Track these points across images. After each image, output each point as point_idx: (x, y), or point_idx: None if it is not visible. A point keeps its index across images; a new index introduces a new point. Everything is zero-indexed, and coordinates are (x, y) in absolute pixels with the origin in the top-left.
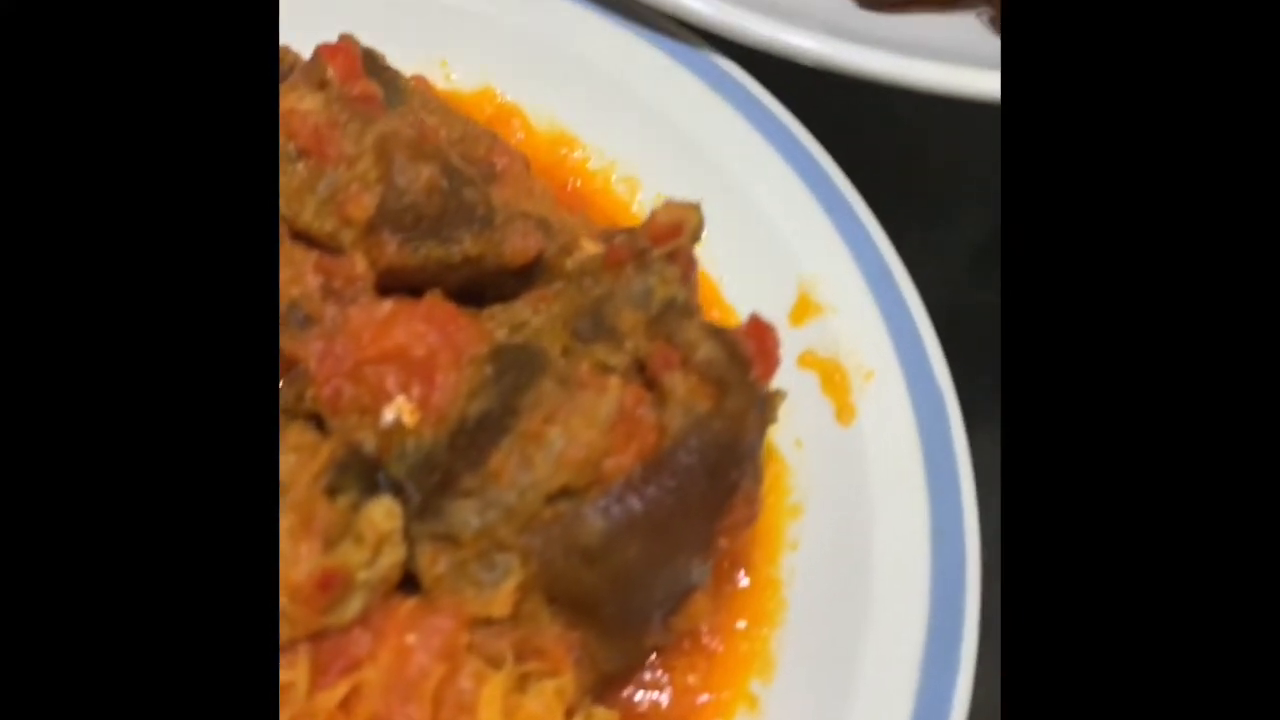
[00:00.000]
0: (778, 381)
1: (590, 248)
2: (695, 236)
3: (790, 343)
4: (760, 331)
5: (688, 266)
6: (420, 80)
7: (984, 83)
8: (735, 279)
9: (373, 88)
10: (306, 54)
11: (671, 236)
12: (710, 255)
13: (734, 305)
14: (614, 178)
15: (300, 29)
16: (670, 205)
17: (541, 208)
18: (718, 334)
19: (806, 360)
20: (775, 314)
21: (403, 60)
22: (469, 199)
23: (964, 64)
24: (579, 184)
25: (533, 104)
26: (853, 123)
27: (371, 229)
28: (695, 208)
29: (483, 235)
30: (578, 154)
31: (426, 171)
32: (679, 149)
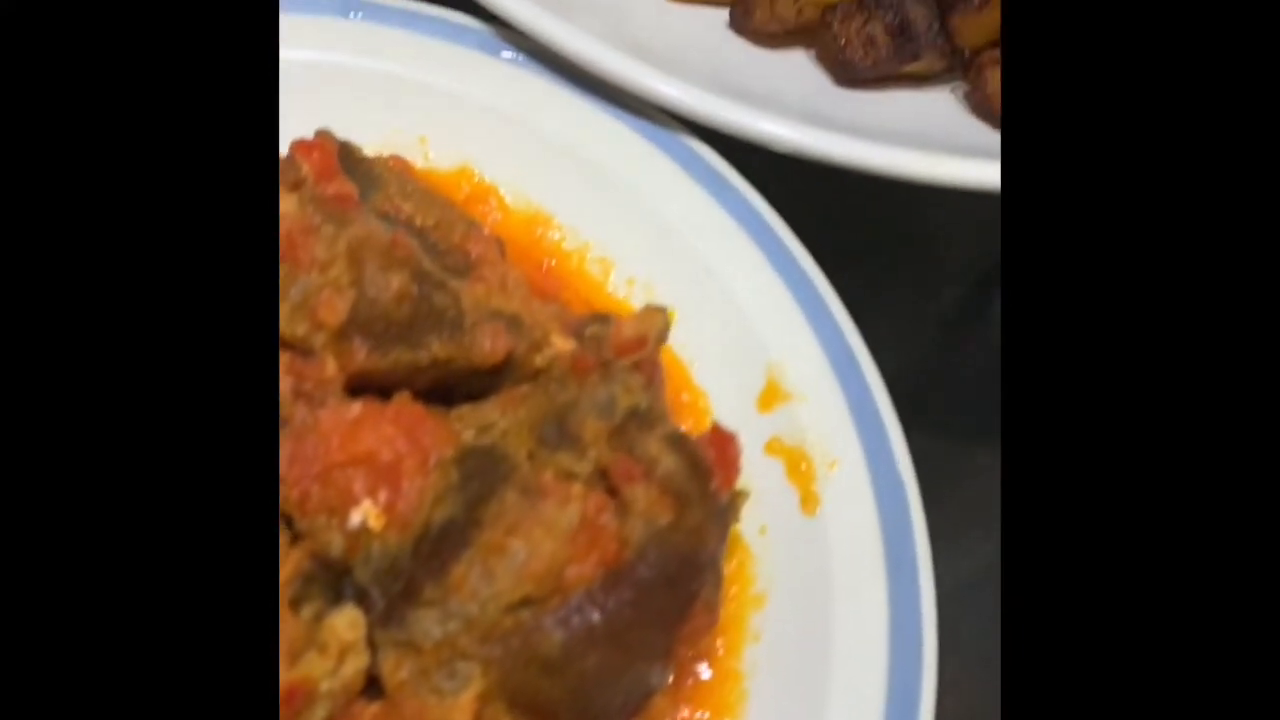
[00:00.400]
0: (746, 468)
1: (560, 343)
2: (661, 340)
3: (758, 429)
4: (722, 441)
5: (652, 372)
6: (398, 160)
7: (973, 173)
8: (705, 362)
9: (348, 186)
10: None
11: (637, 349)
12: (681, 337)
13: (704, 388)
14: (589, 257)
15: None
16: (638, 316)
17: (514, 299)
18: (679, 445)
19: (773, 447)
20: (744, 398)
21: (382, 137)
22: (439, 304)
23: (947, 148)
24: (554, 264)
25: (510, 183)
26: (829, 200)
27: (342, 334)
28: (662, 312)
29: (452, 339)
30: (554, 234)
31: (397, 280)
32: (653, 231)
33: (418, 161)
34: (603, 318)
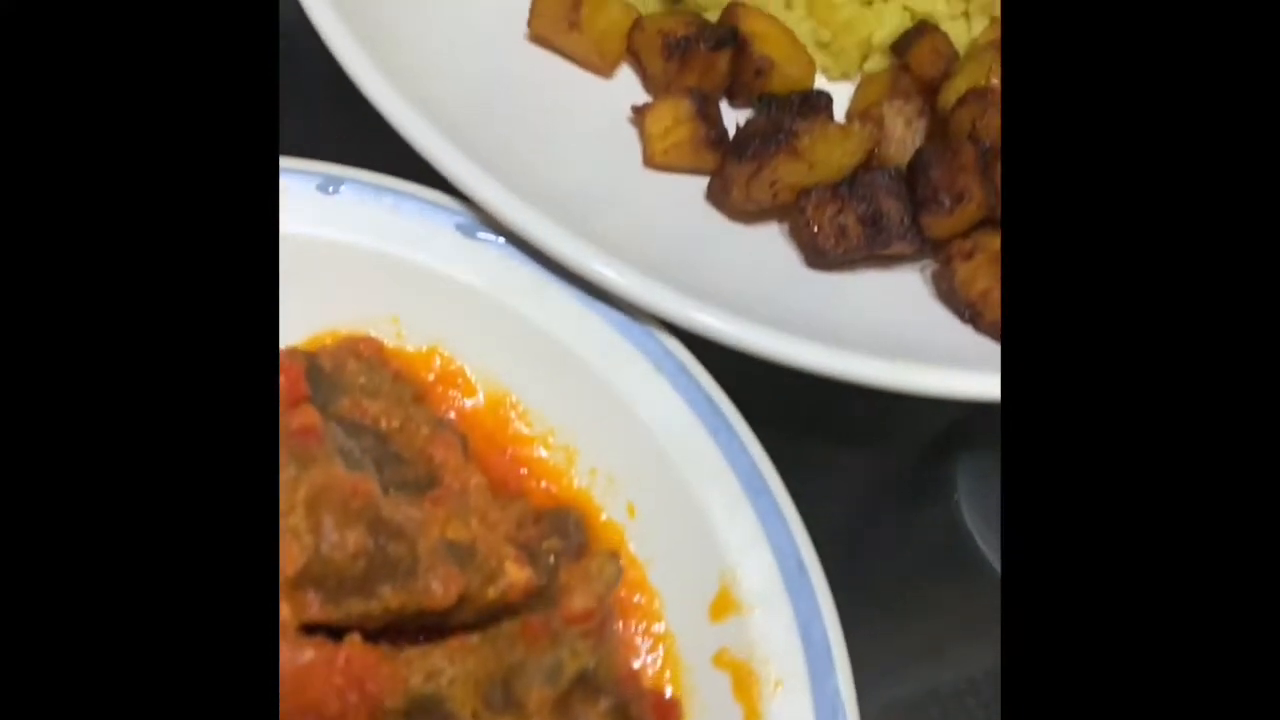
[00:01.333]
0: (694, 679)
1: (514, 572)
2: (613, 588)
3: (708, 638)
4: (664, 710)
5: (603, 625)
6: (368, 344)
7: (935, 382)
8: (661, 563)
9: (313, 417)
10: None
11: (587, 620)
12: (640, 533)
13: (658, 588)
14: (553, 444)
15: None
16: (590, 568)
17: (471, 521)
18: (621, 716)
19: (722, 660)
20: (696, 605)
21: (356, 313)
22: (394, 554)
23: (914, 341)
24: (518, 451)
25: (479, 364)
26: (800, 396)
27: (297, 584)
28: (615, 560)
29: (405, 587)
30: (520, 420)
31: (353, 537)
32: (618, 424)
33: (389, 339)
34: (562, 519)
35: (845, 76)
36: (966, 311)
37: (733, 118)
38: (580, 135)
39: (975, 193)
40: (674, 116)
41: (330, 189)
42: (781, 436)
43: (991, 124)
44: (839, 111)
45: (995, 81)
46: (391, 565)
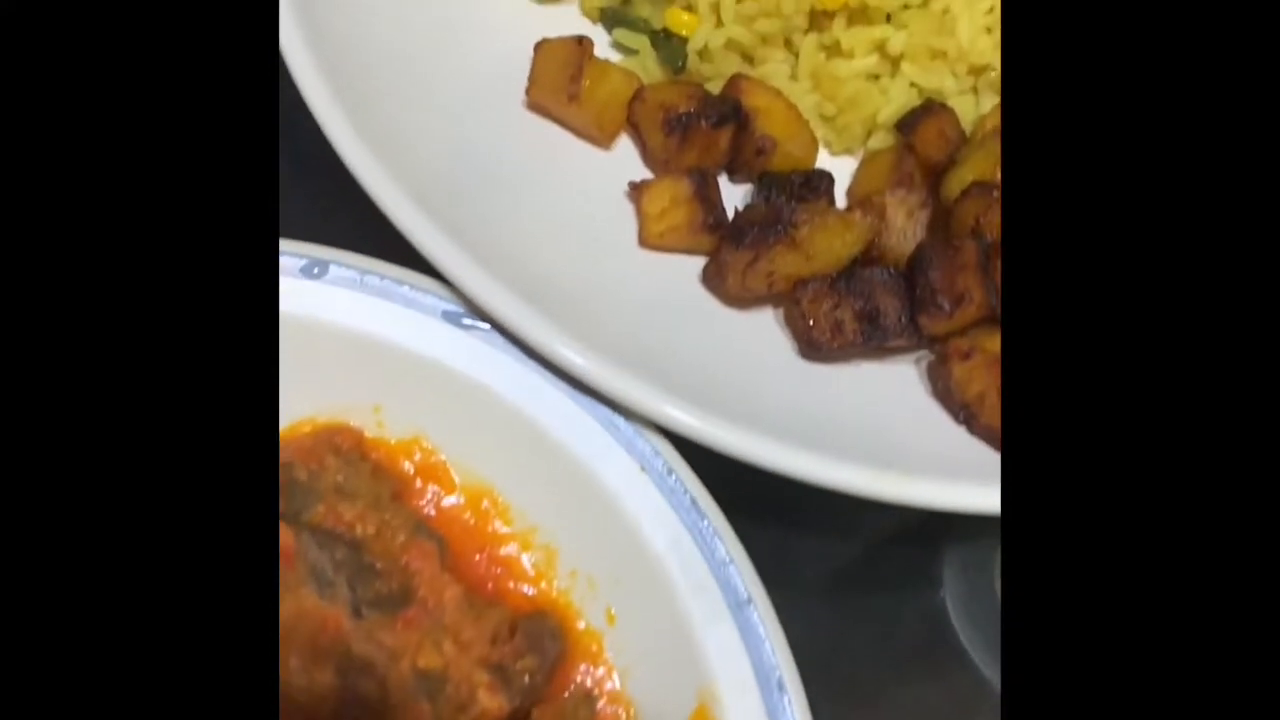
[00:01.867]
0: None
1: (486, 700)
2: None
3: None
4: None
5: None
6: (348, 435)
7: (924, 493)
8: (640, 672)
9: (286, 538)
10: None
11: None
12: (619, 640)
13: (634, 698)
14: (535, 543)
15: None
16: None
17: (444, 642)
18: None
19: None
20: (674, 718)
21: (336, 401)
22: (363, 691)
23: (906, 445)
24: (497, 551)
25: (461, 457)
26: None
27: None
28: (588, 700)
29: None
30: (499, 522)
31: (322, 677)
32: (602, 524)
33: (370, 429)
34: (538, 629)
35: (848, 152)
36: (961, 413)
37: (731, 192)
38: (574, 209)
39: (975, 294)
40: (671, 197)
41: (315, 271)
42: (763, 524)
43: (995, 221)
44: (840, 188)
45: (1000, 177)
46: (361, 702)
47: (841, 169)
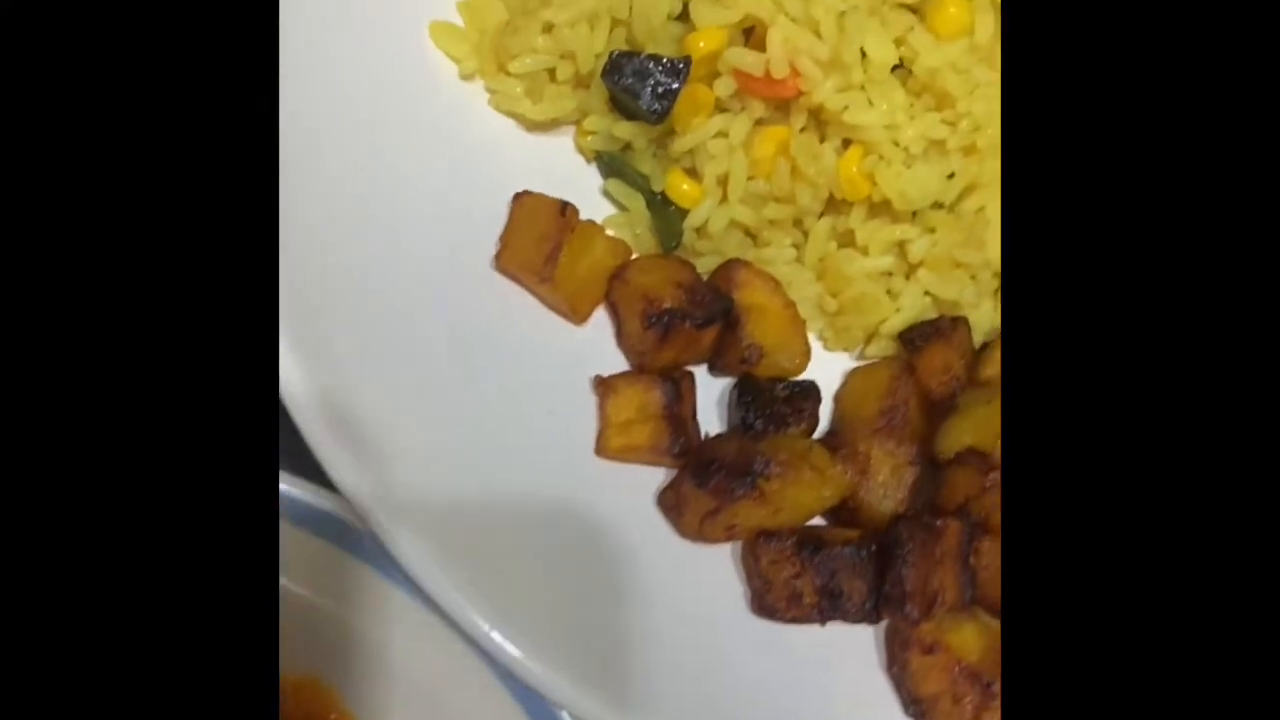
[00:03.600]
0: None
1: None
2: None
3: None
4: None
5: None
6: None
7: None
8: None
9: None
10: None
11: None
12: None
13: None
14: None
15: None
16: None
17: None
18: None
19: None
20: None
21: None
22: None
23: None
24: None
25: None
26: None
27: None
28: None
29: None
30: None
31: None
32: None
33: None
34: None
35: (845, 350)
36: (911, 707)
37: (709, 386)
38: (534, 400)
39: (949, 592)
40: (639, 407)
41: None
42: None
43: (987, 504)
44: (830, 385)
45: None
46: None
47: (834, 367)
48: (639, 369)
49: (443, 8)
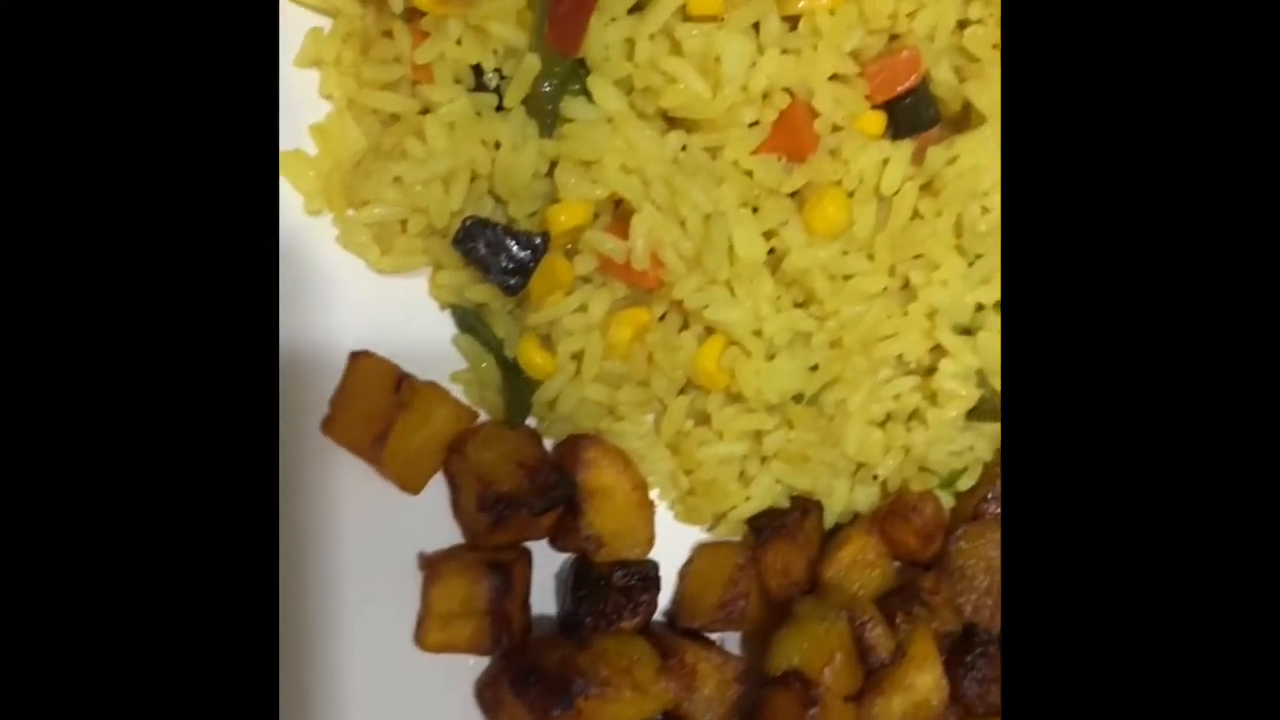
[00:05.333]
0: None
1: None
2: None
3: None
4: None
5: None
6: None
7: None
8: None
9: None
10: None
11: None
12: None
13: None
14: None
15: None
16: None
17: None
18: None
19: None
20: None
21: None
22: None
23: None
24: None
25: None
26: None
27: None
28: None
29: None
30: None
31: None
32: None
33: None
34: None
35: (693, 524)
36: None
37: (549, 559)
38: (348, 580)
39: None
40: (463, 600)
41: None
42: None
43: None
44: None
45: (827, 673)
46: None
47: (687, 535)
48: (472, 546)
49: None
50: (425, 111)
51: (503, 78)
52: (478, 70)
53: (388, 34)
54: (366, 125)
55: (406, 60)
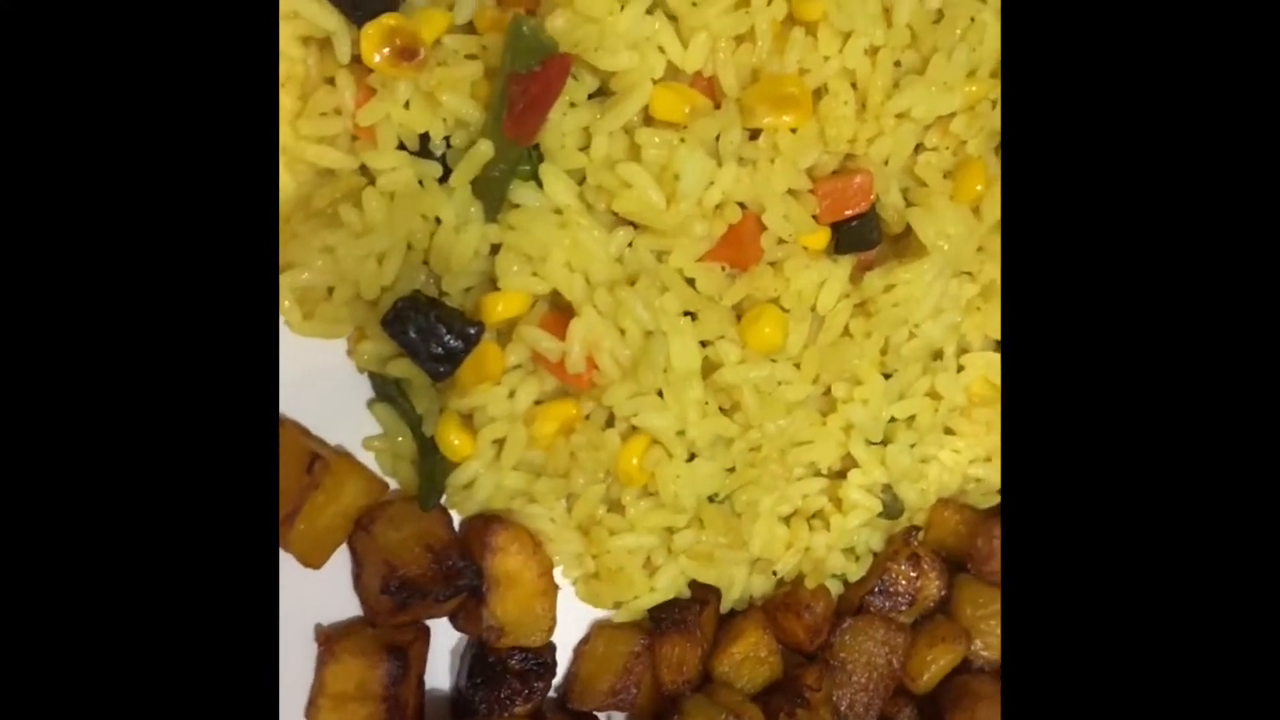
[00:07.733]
0: None
1: None
2: None
3: None
4: None
5: None
6: None
7: None
8: None
9: None
10: None
11: None
12: None
13: None
14: None
15: None
16: None
17: None
18: None
19: None
20: None
21: None
22: None
23: None
24: None
25: None
26: None
27: None
28: None
29: None
30: None
31: None
32: None
33: None
34: None
35: (594, 605)
36: None
37: (449, 638)
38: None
39: None
40: (358, 683)
41: None
42: None
43: None
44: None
45: None
46: None
47: (582, 615)
48: (371, 623)
49: None
50: (363, 168)
51: (449, 146)
52: (424, 136)
53: (330, 81)
54: (298, 173)
55: (348, 114)
